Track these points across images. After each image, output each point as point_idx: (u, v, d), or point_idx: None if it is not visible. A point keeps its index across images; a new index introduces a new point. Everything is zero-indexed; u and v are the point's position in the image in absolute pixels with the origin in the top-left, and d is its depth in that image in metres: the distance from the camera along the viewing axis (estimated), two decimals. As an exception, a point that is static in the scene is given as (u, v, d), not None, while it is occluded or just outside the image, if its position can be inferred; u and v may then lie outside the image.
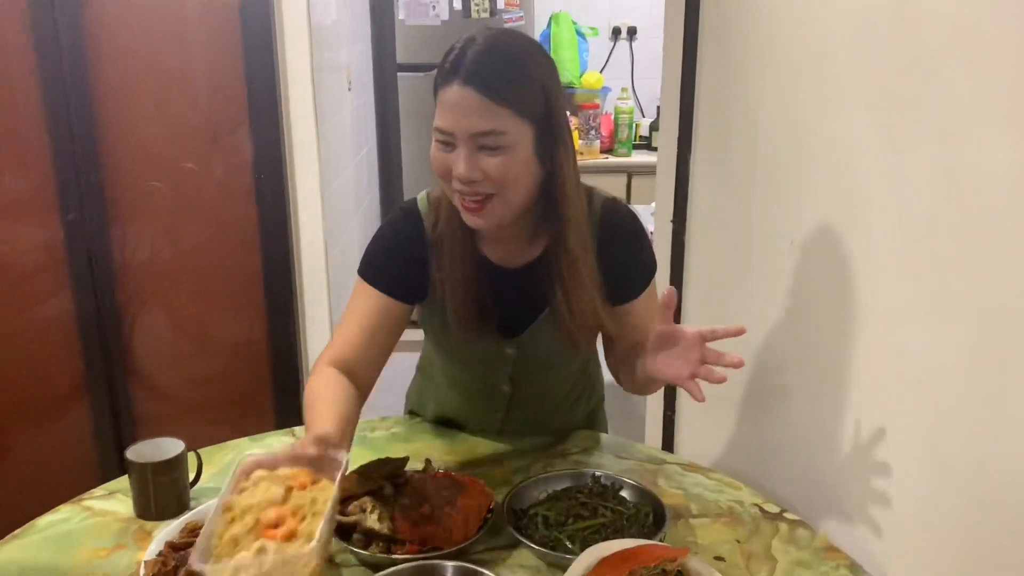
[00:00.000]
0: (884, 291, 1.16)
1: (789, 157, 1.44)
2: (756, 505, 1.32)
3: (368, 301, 1.32)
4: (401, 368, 1.69)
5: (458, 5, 3.94)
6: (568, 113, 1.26)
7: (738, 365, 1.13)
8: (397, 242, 1.34)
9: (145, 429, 2.43)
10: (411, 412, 1.64)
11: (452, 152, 1.16)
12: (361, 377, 1.29)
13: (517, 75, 1.15)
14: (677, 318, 2.12)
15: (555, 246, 1.27)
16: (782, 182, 1.47)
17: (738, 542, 1.23)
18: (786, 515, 1.30)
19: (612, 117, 4.36)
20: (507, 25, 4.00)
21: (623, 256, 1.32)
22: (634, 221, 1.35)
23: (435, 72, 1.18)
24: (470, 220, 1.21)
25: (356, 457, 1.40)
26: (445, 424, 1.56)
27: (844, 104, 1.25)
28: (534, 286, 1.31)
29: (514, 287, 1.32)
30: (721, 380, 1.12)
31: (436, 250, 1.31)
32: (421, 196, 1.36)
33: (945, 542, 1.04)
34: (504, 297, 1.32)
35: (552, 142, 1.19)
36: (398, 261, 1.33)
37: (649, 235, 1.40)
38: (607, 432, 1.62)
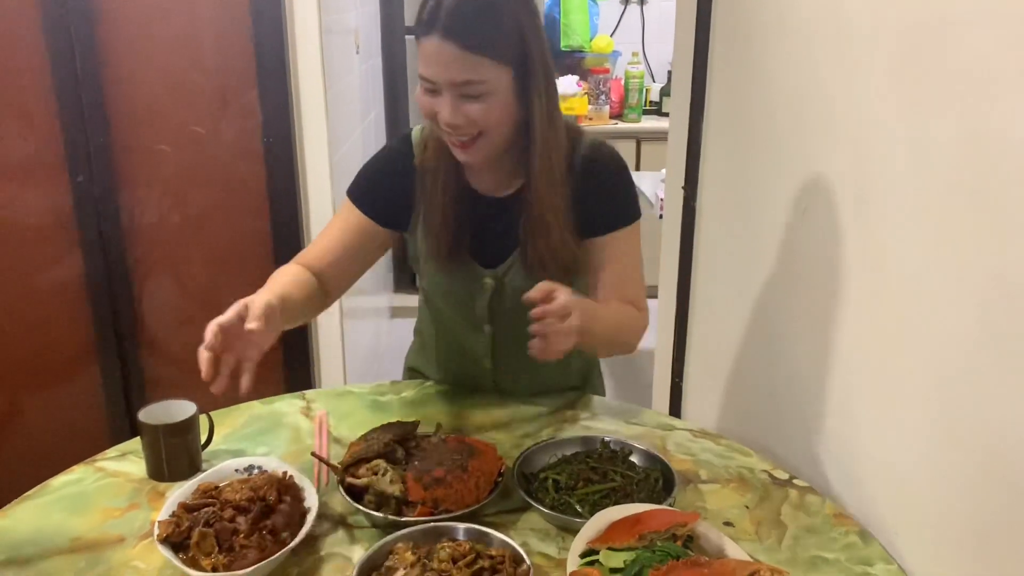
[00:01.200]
0: (899, 260, 1.15)
1: (804, 123, 1.42)
2: (765, 471, 1.32)
3: (350, 219, 1.40)
4: (409, 338, 1.69)
5: (467, -33, 3.88)
6: (548, 52, 1.27)
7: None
8: (386, 169, 1.41)
9: (155, 393, 2.44)
10: (410, 369, 1.66)
11: (437, 97, 1.21)
12: (328, 282, 1.39)
13: (492, 23, 1.19)
14: (687, 284, 2.11)
15: (532, 179, 1.31)
16: (796, 148, 1.46)
17: (747, 508, 1.23)
18: (795, 482, 1.30)
19: (622, 82, 4.32)
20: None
21: (597, 190, 1.35)
22: (616, 161, 1.38)
23: (416, 19, 1.21)
24: (460, 156, 1.28)
25: (368, 421, 1.41)
26: (440, 384, 1.58)
27: (862, 67, 1.23)
28: (514, 217, 1.35)
29: (495, 217, 1.37)
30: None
31: (421, 177, 1.37)
32: (417, 128, 1.40)
33: (954, 509, 1.04)
34: (485, 226, 1.38)
35: (531, 82, 1.24)
36: (384, 186, 1.40)
37: (636, 186, 1.43)
38: (604, 396, 1.63)
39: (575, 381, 1.59)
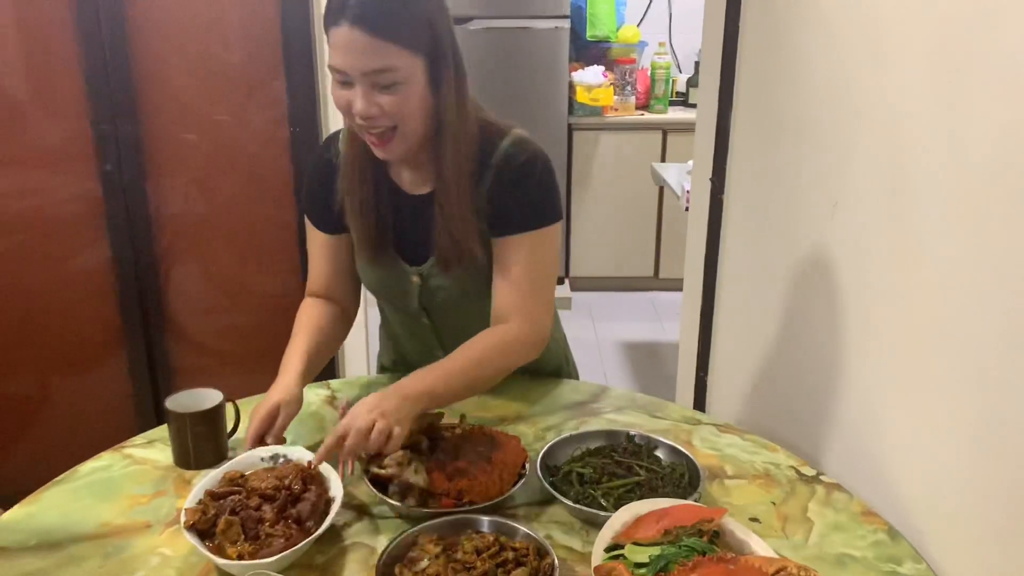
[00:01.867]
0: (934, 255, 1.12)
1: (836, 115, 1.40)
2: (792, 467, 1.31)
3: (316, 238, 1.45)
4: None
5: (494, -44, 3.87)
6: (458, 44, 1.26)
7: None
8: (317, 177, 1.42)
9: (181, 379, 2.46)
10: (381, 367, 1.67)
11: (349, 90, 1.20)
12: (341, 301, 1.47)
13: (401, 11, 1.17)
14: (713, 277, 2.09)
15: (441, 173, 1.29)
16: (827, 141, 1.44)
17: (774, 504, 1.22)
18: (823, 478, 1.29)
19: (648, 72, 4.29)
20: (544, -23, 3.93)
21: (512, 188, 1.32)
22: (534, 156, 1.33)
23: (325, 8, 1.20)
24: (378, 153, 1.27)
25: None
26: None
27: (896, 59, 1.21)
28: (432, 212, 1.33)
29: (416, 214, 1.36)
30: None
31: (344, 174, 1.36)
32: (344, 128, 1.38)
33: (986, 510, 1.03)
34: (408, 223, 1.37)
35: (441, 71, 1.22)
36: (320, 195, 1.41)
37: (556, 184, 1.36)
38: (577, 379, 1.64)
39: (549, 366, 1.58)
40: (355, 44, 1.15)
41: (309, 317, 1.42)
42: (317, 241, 1.45)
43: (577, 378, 1.65)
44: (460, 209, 1.30)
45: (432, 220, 1.33)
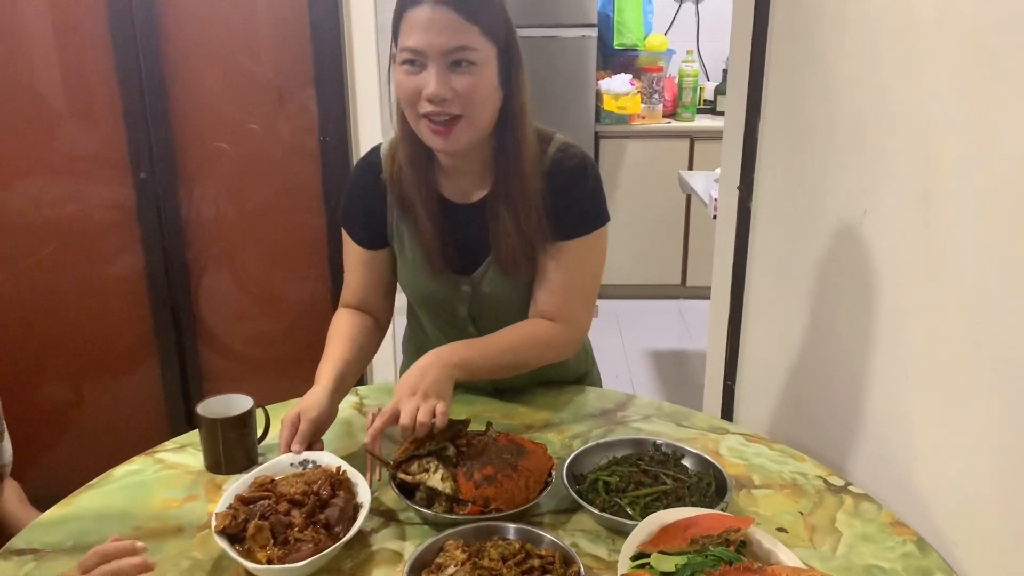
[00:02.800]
0: (966, 263, 1.11)
1: (866, 122, 1.39)
2: (820, 477, 1.30)
3: (353, 251, 1.46)
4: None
5: (521, -35, 3.89)
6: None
7: None
8: (359, 192, 1.44)
9: (211, 385, 2.49)
10: None
11: (421, 74, 1.21)
12: (376, 312, 1.48)
13: None
14: (741, 285, 2.08)
15: (507, 174, 1.31)
16: (857, 148, 1.43)
17: (801, 514, 1.21)
18: (851, 488, 1.28)
19: (676, 80, 4.28)
20: (571, -14, 3.94)
21: (565, 193, 1.35)
22: (583, 161, 1.37)
23: (395, 9, 1.24)
24: (438, 143, 1.27)
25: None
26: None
27: (927, 66, 1.20)
28: (484, 223, 1.36)
29: (466, 223, 1.37)
30: None
31: (392, 188, 1.38)
32: (384, 143, 1.42)
33: (1018, 521, 1.01)
34: (457, 233, 1.38)
35: (512, 68, 1.27)
36: (363, 211, 1.43)
37: (601, 188, 1.40)
38: (600, 385, 1.65)
39: (573, 375, 1.59)
40: (438, 22, 1.18)
41: (343, 329, 1.43)
42: (354, 255, 1.46)
43: (600, 384, 1.66)
44: (527, 208, 1.32)
45: (484, 227, 1.35)
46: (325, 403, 1.31)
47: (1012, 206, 1.01)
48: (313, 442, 1.29)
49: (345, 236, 1.46)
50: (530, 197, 1.32)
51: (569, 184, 1.35)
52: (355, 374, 1.41)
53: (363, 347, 1.44)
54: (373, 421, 1.43)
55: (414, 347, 1.62)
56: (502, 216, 1.33)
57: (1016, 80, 1.00)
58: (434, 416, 1.20)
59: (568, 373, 1.58)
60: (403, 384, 1.25)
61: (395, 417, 1.22)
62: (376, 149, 1.43)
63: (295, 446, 1.25)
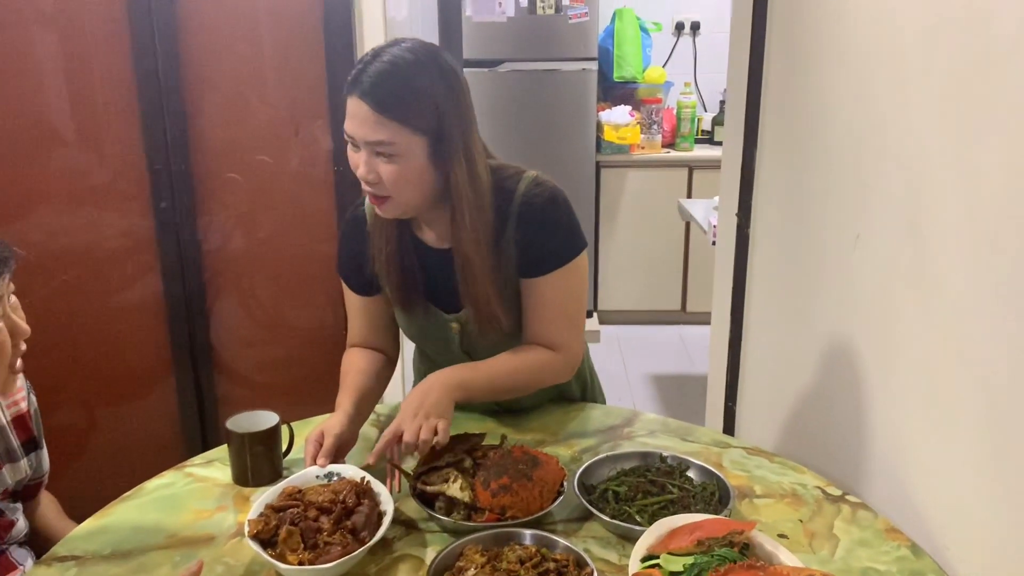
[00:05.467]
0: (950, 284, 1.19)
1: (857, 151, 1.47)
2: (819, 488, 1.37)
3: (352, 299, 1.55)
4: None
5: (524, 2, 4.01)
6: (469, 123, 1.35)
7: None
8: (349, 243, 1.53)
9: (226, 409, 2.55)
10: None
11: (357, 153, 1.32)
12: (382, 349, 1.57)
13: (408, 93, 1.28)
14: (740, 310, 2.16)
15: (457, 237, 1.38)
16: (850, 176, 1.51)
17: (801, 521, 1.28)
18: (848, 497, 1.34)
19: (674, 112, 4.39)
20: (571, 22, 4.06)
21: (533, 231, 1.40)
22: (553, 193, 1.42)
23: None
24: (377, 210, 1.37)
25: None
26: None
27: (913, 98, 1.28)
28: (455, 267, 1.42)
29: (445, 266, 1.43)
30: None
31: (372, 234, 1.47)
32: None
33: (1006, 525, 1.08)
34: (439, 275, 1.45)
35: (447, 151, 1.32)
36: (354, 260, 1.51)
37: (574, 214, 1.45)
38: (605, 403, 1.72)
39: (576, 392, 1.67)
40: (361, 115, 1.27)
41: (356, 364, 1.52)
42: (354, 301, 1.55)
43: (603, 397, 1.74)
44: (484, 269, 1.39)
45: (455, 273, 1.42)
46: (347, 424, 1.38)
47: (993, 230, 1.09)
48: (336, 460, 1.35)
49: (343, 284, 1.55)
50: (479, 254, 1.37)
51: (543, 219, 1.41)
52: (372, 403, 1.49)
53: (377, 378, 1.52)
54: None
55: (423, 370, 1.68)
56: (467, 272, 1.39)
57: (996, 114, 1.08)
58: (435, 434, 1.29)
59: (572, 387, 1.66)
60: (406, 406, 1.34)
61: (398, 437, 1.30)
62: (361, 203, 1.50)
63: (321, 460, 1.32)
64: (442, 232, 1.44)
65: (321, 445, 1.34)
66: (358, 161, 1.32)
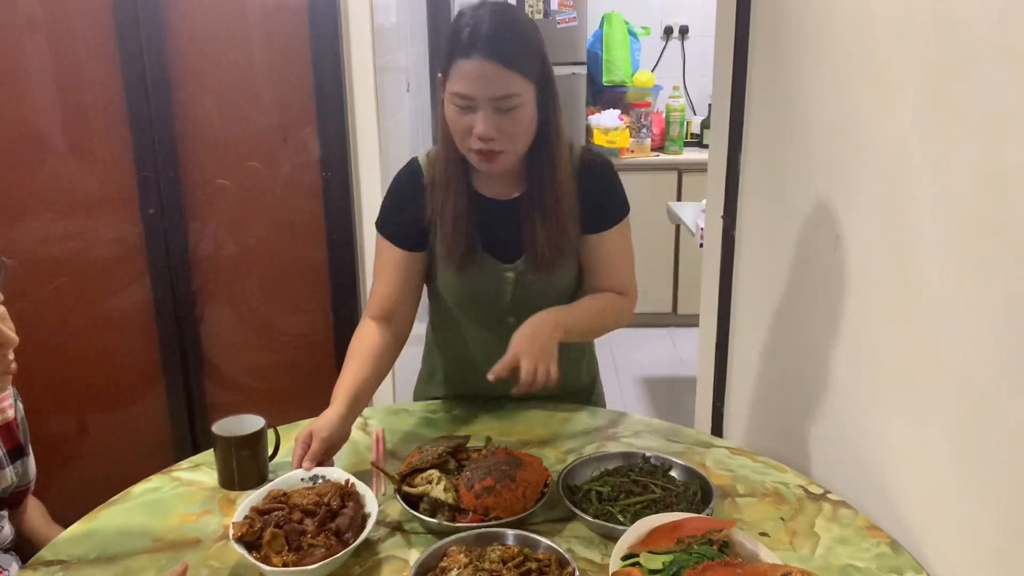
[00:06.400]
0: (928, 284, 1.20)
1: (837, 154, 1.49)
2: (800, 486, 1.38)
3: (388, 254, 1.55)
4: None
5: (512, 6, 4.02)
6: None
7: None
8: (400, 196, 1.56)
9: (216, 414, 2.55)
10: (431, 399, 1.73)
11: (471, 115, 1.36)
12: (399, 321, 1.57)
13: (523, 44, 1.37)
14: (727, 310, 2.17)
15: (541, 183, 1.47)
16: (830, 178, 1.53)
17: (782, 520, 1.29)
18: (829, 496, 1.35)
19: (663, 115, 4.40)
20: (560, 26, 4.08)
21: (596, 190, 1.53)
22: (607, 163, 1.56)
23: (446, 48, 1.37)
24: (483, 167, 1.42)
25: (421, 436, 1.50)
26: (459, 398, 1.68)
27: (891, 104, 1.30)
28: (521, 218, 1.50)
29: (505, 218, 1.51)
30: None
31: (432, 192, 1.51)
32: (422, 154, 1.55)
33: (982, 520, 1.09)
34: (497, 227, 1.52)
35: (548, 96, 1.42)
36: (402, 213, 1.54)
37: (624, 184, 1.58)
38: (605, 407, 1.75)
39: (585, 379, 1.71)
40: (487, 73, 1.33)
41: (364, 346, 1.51)
42: (391, 258, 1.54)
43: (604, 395, 1.79)
44: (559, 211, 1.47)
45: (519, 223, 1.49)
46: (337, 424, 1.38)
47: (968, 232, 1.11)
48: (324, 461, 1.36)
49: (381, 242, 1.56)
50: (563, 200, 1.47)
51: (601, 180, 1.53)
52: (370, 392, 1.50)
53: (381, 365, 1.52)
54: (377, 442, 1.52)
55: (440, 353, 1.70)
56: (535, 218, 1.47)
57: (971, 116, 1.09)
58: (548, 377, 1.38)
59: (580, 380, 1.71)
60: (518, 342, 1.39)
61: (514, 364, 1.37)
62: (415, 160, 1.56)
63: (306, 463, 1.33)
64: (509, 183, 1.50)
65: (308, 447, 1.34)
66: (472, 122, 1.36)
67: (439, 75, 1.41)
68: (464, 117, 1.37)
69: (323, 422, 1.38)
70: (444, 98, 1.40)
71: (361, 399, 1.45)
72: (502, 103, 1.34)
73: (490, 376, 1.37)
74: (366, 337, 1.53)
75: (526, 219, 1.48)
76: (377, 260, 1.57)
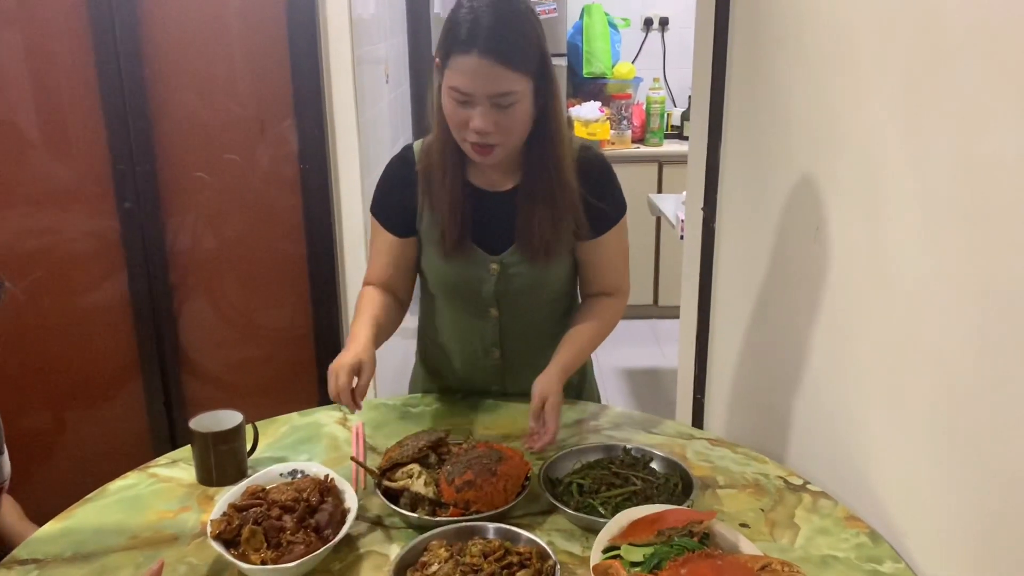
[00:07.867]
0: (905, 274, 1.21)
1: (816, 146, 1.50)
2: (781, 477, 1.39)
3: (381, 237, 1.56)
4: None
5: (492, -2, 4.01)
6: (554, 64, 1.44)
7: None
8: (393, 182, 1.55)
9: (194, 409, 2.52)
10: (424, 392, 1.72)
11: (468, 108, 1.34)
12: (399, 292, 1.59)
13: (521, 41, 1.35)
14: (707, 302, 2.18)
15: (539, 172, 1.45)
16: (809, 171, 1.53)
17: (762, 511, 1.30)
18: (809, 487, 1.36)
19: (644, 107, 4.41)
20: (541, 18, 4.05)
21: (595, 195, 1.50)
22: (605, 165, 1.54)
23: (444, 38, 1.35)
24: (478, 159, 1.41)
25: (401, 430, 1.49)
26: (451, 391, 1.67)
27: (869, 96, 1.30)
28: (512, 210, 1.48)
29: (496, 209, 1.50)
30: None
31: (426, 179, 1.49)
32: (416, 142, 1.54)
33: (960, 510, 1.10)
34: (486, 218, 1.50)
35: (546, 90, 1.40)
36: (395, 198, 1.54)
37: (619, 180, 1.57)
38: (599, 402, 1.74)
39: (575, 377, 1.68)
40: (483, 71, 1.31)
41: (371, 300, 1.53)
42: (384, 241, 1.56)
43: (599, 395, 1.77)
44: (561, 200, 1.45)
45: (511, 215, 1.48)
46: (374, 355, 1.40)
47: (945, 222, 1.11)
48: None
49: (374, 224, 1.57)
50: (563, 190, 1.45)
51: (600, 179, 1.51)
52: (385, 336, 1.51)
53: (390, 316, 1.54)
54: (357, 437, 1.51)
55: (427, 340, 1.69)
56: (534, 207, 1.46)
57: (945, 110, 1.10)
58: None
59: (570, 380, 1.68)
60: (551, 416, 1.41)
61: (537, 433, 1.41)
62: (410, 147, 1.55)
63: (358, 396, 1.35)
64: (503, 174, 1.49)
65: (350, 377, 1.35)
66: (468, 116, 1.35)
67: (436, 60, 1.39)
68: (461, 110, 1.36)
69: (363, 350, 1.38)
70: (441, 86, 1.38)
71: (380, 337, 1.46)
72: (500, 100, 1.33)
73: (534, 447, 1.39)
74: (371, 296, 1.54)
75: (521, 210, 1.47)
76: (371, 239, 1.60)
